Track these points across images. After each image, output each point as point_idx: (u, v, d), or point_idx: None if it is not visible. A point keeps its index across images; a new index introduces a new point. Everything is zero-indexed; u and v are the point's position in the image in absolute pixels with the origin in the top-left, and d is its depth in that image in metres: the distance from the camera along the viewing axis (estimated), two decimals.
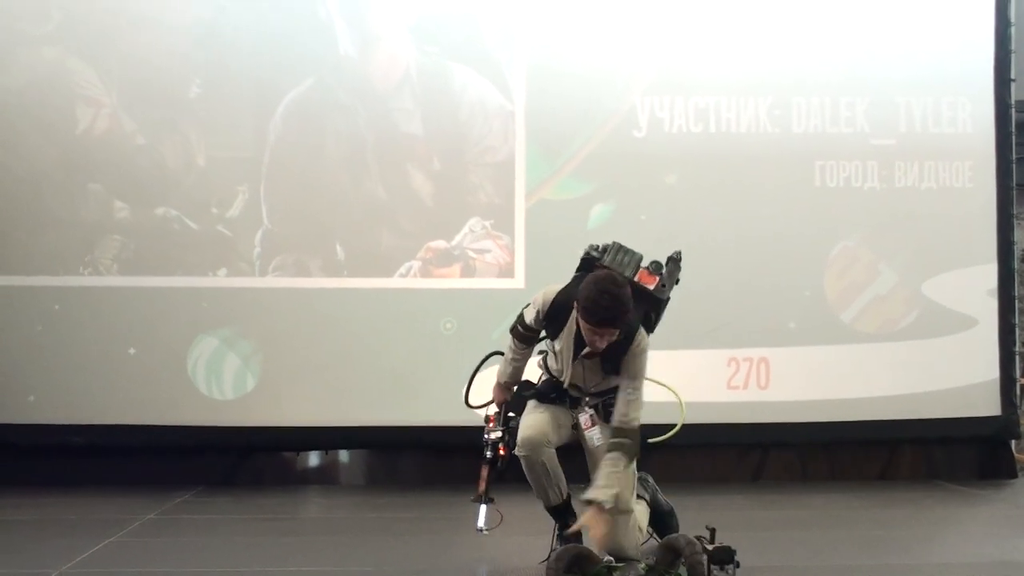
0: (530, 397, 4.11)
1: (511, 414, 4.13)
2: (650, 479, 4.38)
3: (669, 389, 4.17)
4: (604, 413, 4.01)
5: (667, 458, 5.61)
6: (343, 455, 6.39)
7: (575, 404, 4.04)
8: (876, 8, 6.41)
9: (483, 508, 3.98)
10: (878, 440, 6.37)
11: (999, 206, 6.37)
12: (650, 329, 4.01)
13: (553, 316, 3.96)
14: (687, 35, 6.33)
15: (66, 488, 5.84)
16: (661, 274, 4.04)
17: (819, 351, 6.25)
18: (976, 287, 6.36)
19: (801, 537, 4.79)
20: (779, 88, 6.32)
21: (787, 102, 6.32)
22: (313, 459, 6.38)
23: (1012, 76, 6.46)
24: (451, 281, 6.18)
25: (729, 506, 5.57)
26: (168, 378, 6.05)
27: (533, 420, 4.00)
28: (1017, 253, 6.55)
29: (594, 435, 3.98)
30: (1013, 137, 6.44)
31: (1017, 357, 6.41)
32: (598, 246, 4.11)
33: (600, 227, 6.10)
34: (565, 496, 4.01)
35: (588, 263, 4.05)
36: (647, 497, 4.30)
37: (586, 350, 3.87)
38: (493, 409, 4.19)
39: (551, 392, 4.06)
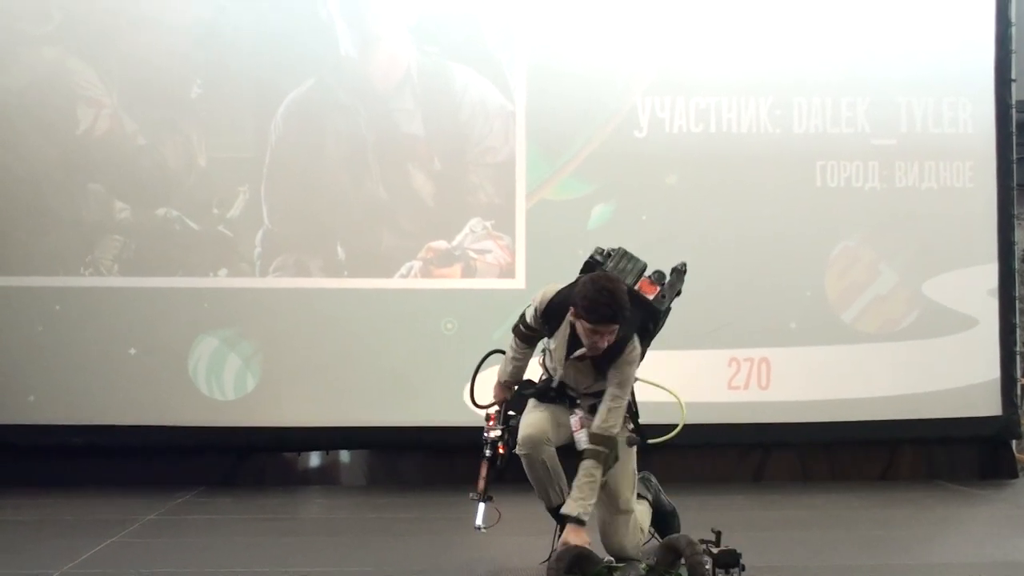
0: (530, 396, 4.11)
1: (511, 413, 4.13)
2: (653, 479, 4.39)
3: (670, 392, 4.17)
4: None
5: (668, 458, 5.60)
6: (344, 455, 6.39)
7: (574, 404, 4.04)
8: (876, 8, 6.41)
9: (481, 506, 3.98)
10: (879, 440, 6.37)
11: (999, 206, 6.38)
12: (648, 339, 4.01)
13: (549, 315, 3.98)
14: (687, 35, 6.33)
15: (67, 489, 5.84)
16: (663, 284, 4.03)
17: (820, 351, 6.25)
18: (977, 287, 6.36)
19: (802, 537, 4.79)
20: (780, 88, 6.32)
21: (788, 102, 6.32)
22: (314, 459, 6.38)
23: (1013, 76, 6.46)
24: (452, 281, 6.18)
25: (730, 506, 5.57)
26: (169, 378, 6.05)
27: (534, 419, 4.01)
28: (1017, 253, 6.55)
29: (581, 438, 3.97)
30: (1014, 137, 6.45)
31: (1018, 357, 6.41)
32: (603, 250, 4.11)
33: (601, 227, 6.11)
34: (566, 497, 3.99)
35: (590, 267, 4.06)
36: (649, 497, 4.31)
37: (578, 352, 3.89)
38: (493, 408, 4.19)
39: (550, 391, 4.06)
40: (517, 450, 3.97)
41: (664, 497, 4.36)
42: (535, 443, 3.94)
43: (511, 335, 4.20)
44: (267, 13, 6.21)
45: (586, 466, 3.87)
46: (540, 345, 4.17)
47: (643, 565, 3.89)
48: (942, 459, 6.50)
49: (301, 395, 6.08)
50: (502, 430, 4.06)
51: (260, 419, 6.05)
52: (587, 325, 3.76)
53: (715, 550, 3.68)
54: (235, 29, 6.19)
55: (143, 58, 6.14)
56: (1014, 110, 6.46)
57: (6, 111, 6.11)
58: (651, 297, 3.99)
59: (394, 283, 6.17)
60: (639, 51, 6.30)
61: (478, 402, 4.23)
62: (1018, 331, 6.41)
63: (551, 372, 4.08)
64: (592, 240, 4.24)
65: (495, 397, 4.21)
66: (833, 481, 6.32)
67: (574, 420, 4.01)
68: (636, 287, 3.98)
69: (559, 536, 3.93)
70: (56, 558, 4.19)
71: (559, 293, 3.95)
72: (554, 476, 3.99)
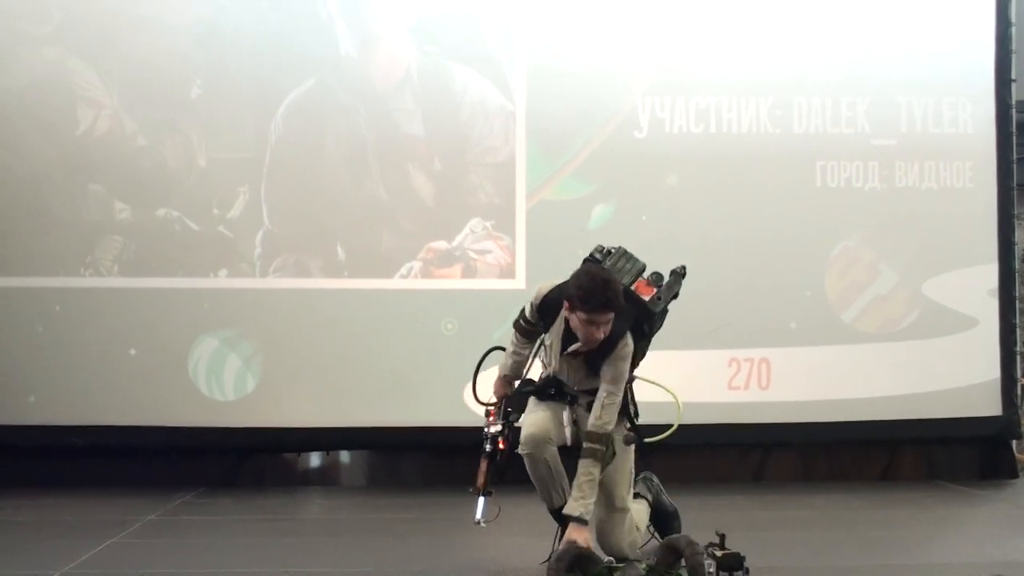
0: (530, 394, 4.12)
1: (511, 410, 4.13)
2: (655, 479, 4.39)
3: (667, 391, 4.17)
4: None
5: (668, 458, 5.60)
6: (344, 456, 6.38)
7: (572, 401, 4.05)
8: (876, 8, 6.40)
9: (481, 500, 3.98)
10: (879, 440, 6.37)
11: (1000, 206, 6.37)
12: (642, 339, 4.01)
13: (544, 311, 4.01)
14: (687, 35, 6.33)
15: (67, 489, 5.85)
16: (659, 286, 4.04)
17: (820, 351, 6.25)
18: (977, 287, 6.36)
19: (802, 537, 4.79)
20: (780, 88, 6.32)
21: (788, 102, 6.32)
22: (314, 460, 6.38)
23: (1013, 76, 6.46)
24: (452, 282, 6.18)
25: (730, 507, 5.57)
26: (169, 379, 6.05)
27: (536, 418, 4.01)
28: (1018, 253, 6.55)
29: (568, 434, 4.00)
30: (1014, 137, 6.44)
31: (1018, 357, 6.41)
32: (603, 248, 4.12)
33: (601, 228, 6.11)
34: (567, 498, 3.97)
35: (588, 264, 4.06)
36: (649, 497, 4.31)
37: (572, 347, 3.90)
38: (493, 402, 4.19)
39: (549, 388, 4.07)
40: (520, 449, 3.97)
41: (665, 497, 4.36)
42: (538, 442, 3.95)
43: (512, 330, 4.21)
44: (267, 13, 6.21)
45: (584, 464, 3.88)
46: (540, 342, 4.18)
47: (643, 565, 3.90)
48: (942, 459, 6.50)
49: (301, 395, 6.08)
50: (503, 425, 4.06)
51: (260, 420, 6.05)
52: (582, 315, 3.77)
53: (719, 553, 3.68)
54: (235, 29, 6.18)
55: (143, 58, 6.14)
56: (1014, 110, 6.46)
57: (6, 111, 6.11)
58: (646, 298, 3.99)
59: (394, 283, 6.17)
60: (639, 51, 6.30)
61: (480, 399, 4.23)
62: (1018, 331, 6.41)
63: (547, 366, 4.10)
64: (592, 240, 4.24)
65: (495, 392, 4.22)
66: (833, 481, 6.31)
67: (566, 415, 4.02)
68: (632, 287, 3.98)
69: (560, 537, 3.93)
70: (56, 559, 4.19)
71: (554, 289, 3.98)
72: (556, 476, 4.00)
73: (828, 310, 6.29)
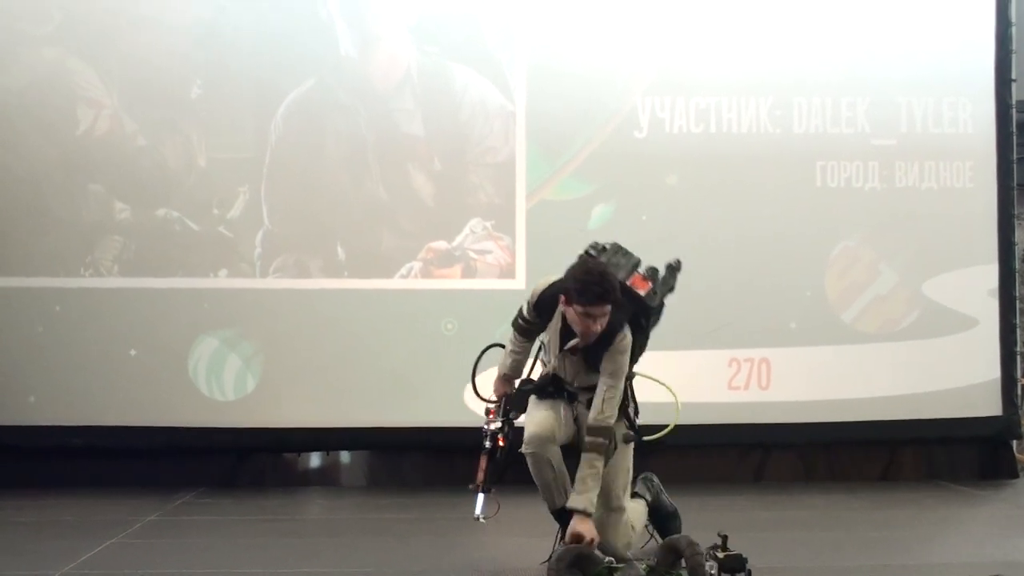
0: (530, 392, 4.12)
1: (511, 408, 4.14)
2: (655, 479, 4.39)
3: (665, 387, 4.18)
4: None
5: (668, 458, 5.61)
6: (344, 456, 6.38)
7: (572, 398, 4.06)
8: (876, 8, 6.41)
9: (480, 497, 3.98)
10: (879, 440, 6.37)
11: (1000, 206, 6.37)
12: (642, 332, 4.02)
13: (541, 308, 4.02)
14: (687, 35, 6.33)
15: (67, 489, 5.84)
16: (655, 281, 4.04)
17: (820, 351, 6.25)
18: (977, 287, 6.36)
19: (802, 538, 4.79)
20: (780, 88, 6.32)
21: (788, 102, 6.32)
22: (314, 460, 6.37)
23: (1013, 76, 6.46)
24: (452, 282, 6.18)
25: (730, 507, 5.57)
26: (169, 379, 6.05)
27: (540, 417, 4.02)
28: (1018, 253, 6.55)
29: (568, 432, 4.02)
30: (1014, 137, 6.44)
31: (1018, 357, 6.41)
32: (598, 244, 4.13)
33: (601, 228, 6.09)
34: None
35: None
36: (648, 497, 4.31)
37: (570, 343, 3.91)
38: (494, 399, 4.20)
39: (548, 386, 4.08)
40: (523, 449, 3.97)
41: (665, 498, 4.36)
42: (542, 441, 3.95)
43: (511, 330, 4.21)
44: (267, 13, 6.21)
45: (588, 458, 3.89)
46: (539, 342, 4.19)
47: (644, 565, 3.89)
48: (942, 459, 6.50)
49: (301, 396, 6.08)
50: (502, 422, 4.07)
51: (260, 420, 6.05)
52: (579, 309, 3.78)
53: (721, 555, 3.67)
54: (235, 29, 6.18)
55: (143, 58, 6.14)
56: (1014, 110, 6.46)
57: (6, 111, 6.10)
58: (643, 293, 4.00)
59: (394, 283, 6.17)
60: (639, 51, 6.30)
61: (480, 394, 4.23)
62: (1018, 331, 6.41)
63: (546, 364, 4.12)
64: (592, 241, 4.23)
65: (495, 391, 4.22)
66: (833, 481, 6.31)
67: (564, 411, 4.03)
68: (628, 282, 3.99)
69: (561, 537, 3.93)
70: (56, 559, 4.19)
71: (551, 286, 3.98)
72: (560, 476, 3.99)
73: (828, 310, 6.29)
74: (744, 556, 3.67)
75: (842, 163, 6.32)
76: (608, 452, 3.91)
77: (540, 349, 4.20)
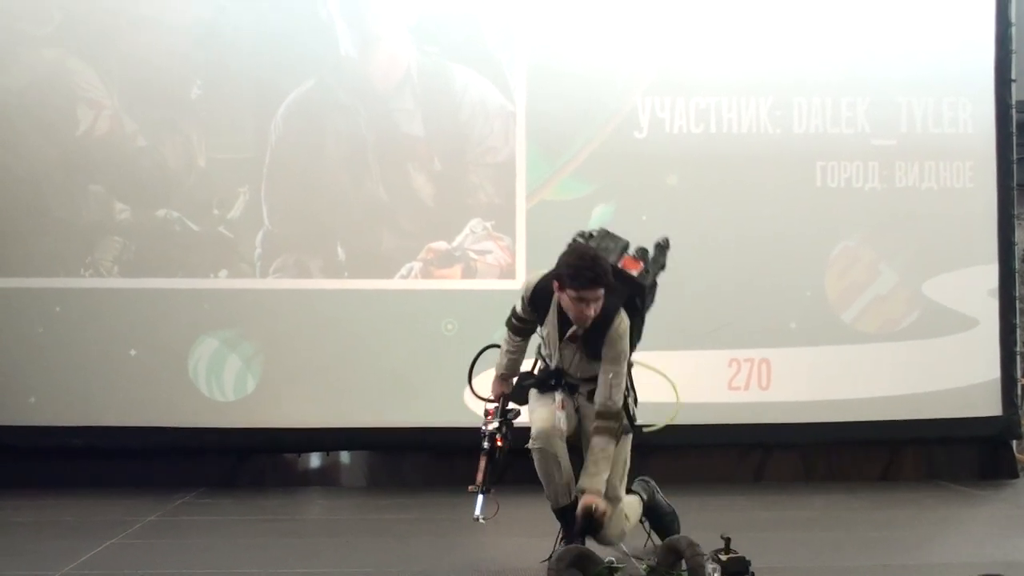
0: (530, 387, 4.12)
1: (511, 405, 4.14)
2: (651, 482, 4.39)
3: (664, 376, 4.18)
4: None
5: (668, 458, 5.63)
6: (344, 456, 6.38)
7: (573, 390, 4.05)
8: (876, 8, 6.40)
9: (480, 498, 3.98)
10: (879, 440, 6.37)
11: (1000, 206, 6.37)
12: (638, 314, 4.03)
13: (536, 302, 4.02)
14: (687, 35, 6.33)
15: (67, 490, 5.84)
16: (646, 260, 4.06)
17: (820, 351, 6.25)
18: (977, 287, 6.35)
19: (803, 538, 4.80)
20: (780, 88, 6.31)
21: (788, 102, 6.32)
22: (314, 460, 6.37)
23: (1013, 76, 6.45)
24: (452, 282, 6.18)
25: (730, 507, 5.57)
26: (169, 379, 6.05)
27: (545, 413, 4.02)
28: (1018, 253, 6.55)
29: (560, 417, 4.01)
30: (1014, 137, 6.44)
31: (1018, 357, 6.41)
32: (585, 232, 4.15)
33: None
34: (573, 498, 3.98)
35: None
36: (644, 496, 4.30)
37: (571, 331, 3.91)
38: (492, 400, 4.20)
39: (549, 379, 4.08)
40: (530, 444, 3.98)
41: (661, 498, 4.36)
42: (548, 437, 3.95)
43: (504, 330, 4.22)
44: (267, 13, 6.21)
45: (598, 441, 3.90)
46: (536, 341, 4.18)
47: (644, 566, 3.90)
48: (942, 459, 6.50)
49: (301, 396, 6.08)
50: (500, 423, 4.07)
51: (260, 420, 6.05)
52: (572, 294, 3.79)
53: (724, 557, 3.67)
54: (235, 29, 6.18)
55: (143, 58, 6.13)
56: (1014, 110, 6.46)
57: (6, 111, 6.10)
58: (635, 273, 4.01)
59: (394, 284, 6.17)
60: (639, 51, 6.30)
61: (478, 393, 4.23)
62: (1018, 331, 6.41)
63: (547, 360, 4.11)
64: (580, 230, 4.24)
65: (493, 391, 4.23)
66: (833, 481, 6.31)
67: (557, 399, 4.03)
68: (620, 264, 4.00)
69: (562, 537, 3.93)
70: (56, 559, 4.19)
71: (543, 278, 3.99)
72: (565, 473, 3.99)
73: (828, 310, 6.29)
74: (747, 559, 3.66)
75: (842, 163, 6.32)
76: (618, 434, 3.92)
77: (539, 348, 4.19)
